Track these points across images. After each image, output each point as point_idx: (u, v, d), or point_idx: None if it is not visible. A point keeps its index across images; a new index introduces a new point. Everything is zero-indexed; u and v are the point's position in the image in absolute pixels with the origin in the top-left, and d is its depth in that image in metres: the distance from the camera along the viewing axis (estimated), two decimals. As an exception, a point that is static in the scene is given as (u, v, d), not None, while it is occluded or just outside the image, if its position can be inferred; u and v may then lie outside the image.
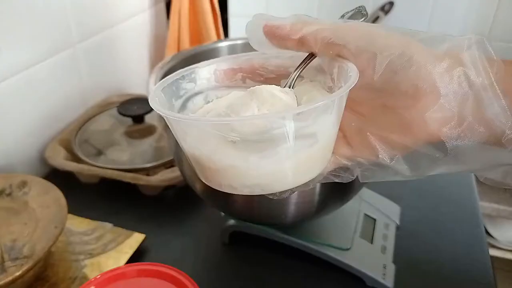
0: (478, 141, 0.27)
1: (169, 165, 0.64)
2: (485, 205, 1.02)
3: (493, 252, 1.20)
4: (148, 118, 0.73)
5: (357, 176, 0.31)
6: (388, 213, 0.57)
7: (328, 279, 0.50)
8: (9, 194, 0.52)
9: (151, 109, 0.69)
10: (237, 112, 0.28)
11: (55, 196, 0.50)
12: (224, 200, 0.48)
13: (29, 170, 0.67)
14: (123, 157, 0.67)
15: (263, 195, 0.30)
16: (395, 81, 0.27)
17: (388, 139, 0.29)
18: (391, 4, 0.96)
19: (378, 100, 0.28)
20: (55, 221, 0.47)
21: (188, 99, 0.33)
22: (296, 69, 0.31)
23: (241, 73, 0.34)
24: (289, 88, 0.31)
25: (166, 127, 0.50)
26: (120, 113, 0.70)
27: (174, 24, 0.97)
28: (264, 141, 0.26)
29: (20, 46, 0.63)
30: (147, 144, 0.69)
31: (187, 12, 0.97)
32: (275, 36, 0.30)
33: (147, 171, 0.63)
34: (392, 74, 0.27)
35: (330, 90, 0.31)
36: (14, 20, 0.61)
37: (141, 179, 0.60)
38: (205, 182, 0.31)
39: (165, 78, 0.32)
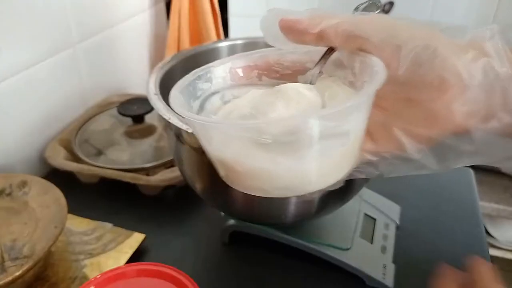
0: (504, 132, 0.27)
1: (169, 165, 0.64)
2: (485, 205, 1.02)
3: (493, 252, 1.20)
4: (148, 118, 0.73)
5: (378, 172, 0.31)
6: (388, 213, 0.57)
7: (328, 279, 0.50)
8: (9, 194, 0.52)
9: (151, 109, 0.69)
10: (263, 112, 0.27)
11: (55, 196, 0.50)
12: (224, 200, 0.48)
13: (29, 170, 0.67)
14: (123, 157, 0.67)
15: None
16: (419, 73, 0.26)
17: (413, 133, 0.29)
18: (391, 4, 0.96)
19: (402, 93, 0.28)
20: (55, 221, 0.47)
21: (205, 100, 0.32)
22: (317, 64, 0.30)
23: (257, 70, 0.33)
24: (310, 84, 0.30)
25: (166, 127, 0.50)
26: (120, 113, 0.70)
27: (174, 24, 0.97)
28: (296, 142, 0.25)
29: (20, 46, 0.63)
30: (147, 144, 0.69)
31: (187, 12, 0.97)
32: (293, 30, 0.29)
33: (147, 171, 0.63)
34: (416, 66, 0.26)
35: (352, 85, 0.30)
36: (14, 20, 0.61)
37: (141, 179, 0.60)
38: (231, 186, 0.30)
39: (182, 79, 0.31)
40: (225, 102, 0.33)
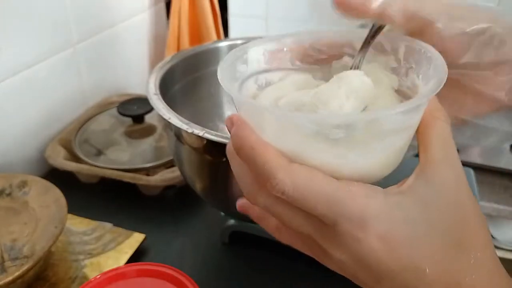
0: None
1: (169, 165, 0.64)
2: (485, 205, 1.02)
3: (493, 252, 1.20)
4: (148, 118, 0.73)
5: None
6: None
7: (328, 279, 0.50)
8: (9, 194, 0.52)
9: (151, 109, 0.69)
10: (325, 102, 0.25)
11: (55, 196, 0.50)
12: (224, 200, 0.48)
13: (29, 170, 0.67)
14: (123, 157, 0.67)
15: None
16: (479, 57, 0.26)
17: (458, 114, 0.29)
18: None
19: (452, 76, 0.27)
20: (55, 221, 0.47)
21: (242, 83, 0.30)
22: (362, 47, 0.29)
23: (290, 54, 0.31)
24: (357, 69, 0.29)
25: (166, 127, 0.50)
26: (120, 113, 0.70)
27: (174, 24, 0.97)
28: (369, 136, 0.24)
29: (20, 46, 0.63)
30: (147, 144, 0.69)
31: (187, 12, 0.97)
32: (350, 7, 0.27)
33: (147, 171, 0.63)
34: (478, 51, 0.26)
35: (395, 71, 0.29)
36: (14, 20, 0.61)
37: (141, 179, 0.60)
38: None
39: (225, 59, 0.29)
40: (259, 86, 0.31)
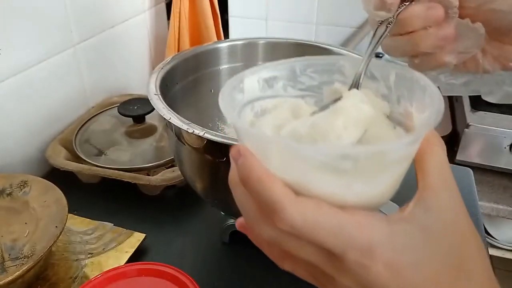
0: None
1: (169, 165, 0.64)
2: (485, 205, 1.02)
3: (492, 251, 1.20)
4: (149, 118, 0.73)
5: None
6: (387, 212, 0.57)
7: (328, 278, 0.50)
8: (10, 194, 0.52)
9: (152, 109, 0.70)
10: (323, 133, 0.26)
11: (56, 195, 0.50)
12: (224, 200, 0.48)
13: (29, 169, 0.67)
14: (124, 157, 0.67)
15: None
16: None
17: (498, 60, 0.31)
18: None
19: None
20: (56, 220, 0.47)
21: (240, 111, 0.31)
22: (366, 52, 0.30)
23: (282, 81, 0.33)
24: (356, 89, 0.30)
25: (167, 127, 0.50)
26: (121, 113, 0.70)
27: (175, 25, 0.98)
28: (376, 167, 0.25)
29: (21, 46, 0.63)
30: (147, 144, 0.69)
31: (187, 12, 0.97)
32: None
33: (147, 171, 0.63)
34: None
35: (386, 98, 0.30)
36: (15, 20, 0.62)
37: (142, 179, 0.60)
38: None
39: (222, 89, 0.29)
40: (256, 114, 0.32)
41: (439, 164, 0.25)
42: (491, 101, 0.33)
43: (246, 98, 0.31)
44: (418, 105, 0.28)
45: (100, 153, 0.68)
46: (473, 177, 0.69)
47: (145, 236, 0.54)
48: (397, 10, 0.31)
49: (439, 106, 0.25)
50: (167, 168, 0.64)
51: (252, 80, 0.31)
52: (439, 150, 0.26)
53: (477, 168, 1.03)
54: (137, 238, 0.54)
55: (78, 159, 0.66)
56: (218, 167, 0.44)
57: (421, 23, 0.31)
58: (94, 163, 0.64)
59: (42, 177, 0.53)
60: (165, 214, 0.61)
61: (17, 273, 0.41)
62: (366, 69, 0.30)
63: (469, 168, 0.72)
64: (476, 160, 1.03)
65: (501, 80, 0.32)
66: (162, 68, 0.52)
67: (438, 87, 0.33)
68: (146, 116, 0.72)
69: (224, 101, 0.28)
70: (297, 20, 1.22)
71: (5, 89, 0.62)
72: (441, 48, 0.31)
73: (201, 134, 0.40)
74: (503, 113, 1.02)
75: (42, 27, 0.67)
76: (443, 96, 0.26)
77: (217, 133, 0.40)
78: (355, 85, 0.30)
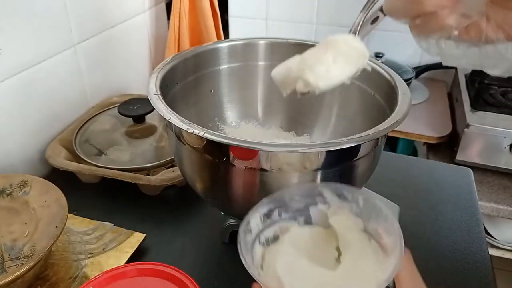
0: None
1: (169, 165, 0.64)
2: (485, 205, 1.02)
3: (492, 251, 1.20)
4: (149, 118, 0.73)
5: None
6: (388, 211, 0.57)
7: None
8: (10, 194, 0.52)
9: (152, 109, 0.70)
10: (311, 66, 0.29)
11: (56, 195, 0.50)
12: (224, 200, 0.48)
13: (29, 169, 0.67)
14: (124, 157, 0.67)
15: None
16: None
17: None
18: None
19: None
20: (56, 220, 0.47)
21: (251, 250, 0.36)
22: (363, 9, 0.33)
23: (278, 209, 0.38)
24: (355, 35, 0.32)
25: (167, 127, 0.50)
26: (121, 113, 0.70)
27: (175, 25, 0.98)
28: None
29: (21, 46, 0.63)
30: (147, 144, 0.69)
31: (187, 12, 0.97)
32: None
33: (147, 171, 0.63)
34: None
35: (358, 215, 0.36)
36: (15, 20, 0.62)
37: (142, 179, 0.61)
38: None
39: (238, 239, 0.34)
40: (263, 244, 0.37)
41: (410, 275, 0.34)
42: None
43: (253, 235, 0.36)
44: (385, 230, 0.34)
45: (100, 153, 0.68)
46: (473, 177, 0.70)
47: (145, 236, 0.54)
48: None
49: (400, 235, 0.31)
50: (167, 168, 0.64)
51: (256, 218, 0.37)
52: (408, 260, 0.34)
53: (477, 168, 1.02)
54: (137, 238, 0.54)
55: (78, 159, 0.66)
56: (218, 167, 0.44)
57: None
58: (94, 163, 0.64)
59: (42, 177, 0.53)
60: (165, 214, 0.61)
61: (17, 273, 0.41)
62: (364, 19, 0.33)
63: (469, 168, 0.72)
64: (476, 160, 1.03)
65: (505, 50, 0.31)
66: (162, 68, 0.52)
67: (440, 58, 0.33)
68: (146, 116, 0.72)
69: (244, 256, 0.34)
70: (297, 20, 1.22)
71: (5, 89, 0.62)
72: (443, 7, 0.31)
73: (201, 134, 0.40)
74: (503, 113, 1.02)
75: (42, 27, 0.67)
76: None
77: (217, 133, 0.40)
78: (353, 33, 0.32)
